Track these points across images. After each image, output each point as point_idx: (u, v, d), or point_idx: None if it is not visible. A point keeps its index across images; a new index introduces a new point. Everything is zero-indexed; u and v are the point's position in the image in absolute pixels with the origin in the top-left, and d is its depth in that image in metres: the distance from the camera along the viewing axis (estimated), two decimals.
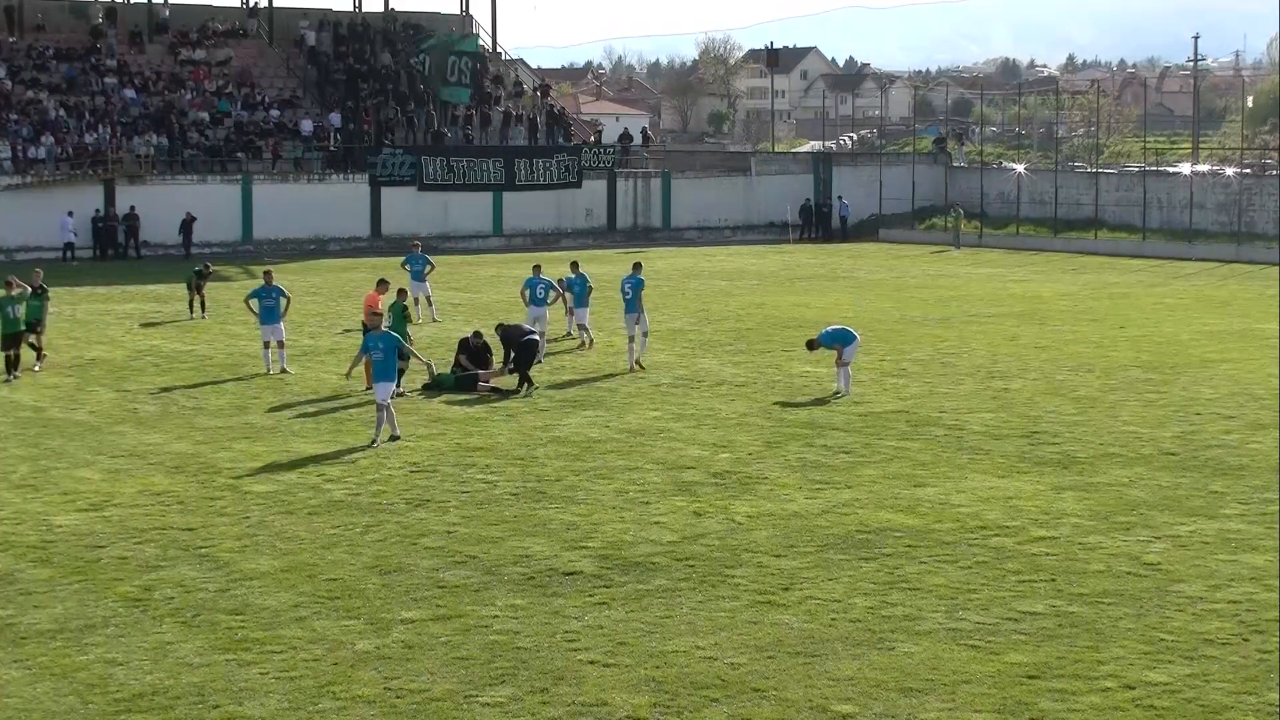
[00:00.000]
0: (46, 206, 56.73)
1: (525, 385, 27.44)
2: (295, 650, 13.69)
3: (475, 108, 68.50)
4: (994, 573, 16.01)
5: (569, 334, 34.40)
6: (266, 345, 30.06)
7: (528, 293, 32.07)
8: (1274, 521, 17.93)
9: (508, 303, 39.08)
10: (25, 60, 64.24)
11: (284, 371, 29.59)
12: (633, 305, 30.18)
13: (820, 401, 26.39)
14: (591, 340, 33.13)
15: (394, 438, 23.04)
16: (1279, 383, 27.44)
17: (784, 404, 26.21)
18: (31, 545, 17.31)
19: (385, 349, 23.23)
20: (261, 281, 30.54)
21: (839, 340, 27.13)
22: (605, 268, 49.30)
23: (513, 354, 28.03)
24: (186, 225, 58.71)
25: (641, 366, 30.10)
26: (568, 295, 33.36)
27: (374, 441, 22.81)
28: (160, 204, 58.41)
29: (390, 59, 70.57)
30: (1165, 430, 23.67)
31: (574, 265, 34.03)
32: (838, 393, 26.81)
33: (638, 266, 31.47)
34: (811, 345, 27.39)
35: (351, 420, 25.03)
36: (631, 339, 30.39)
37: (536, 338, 28.65)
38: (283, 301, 30.09)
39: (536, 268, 33.37)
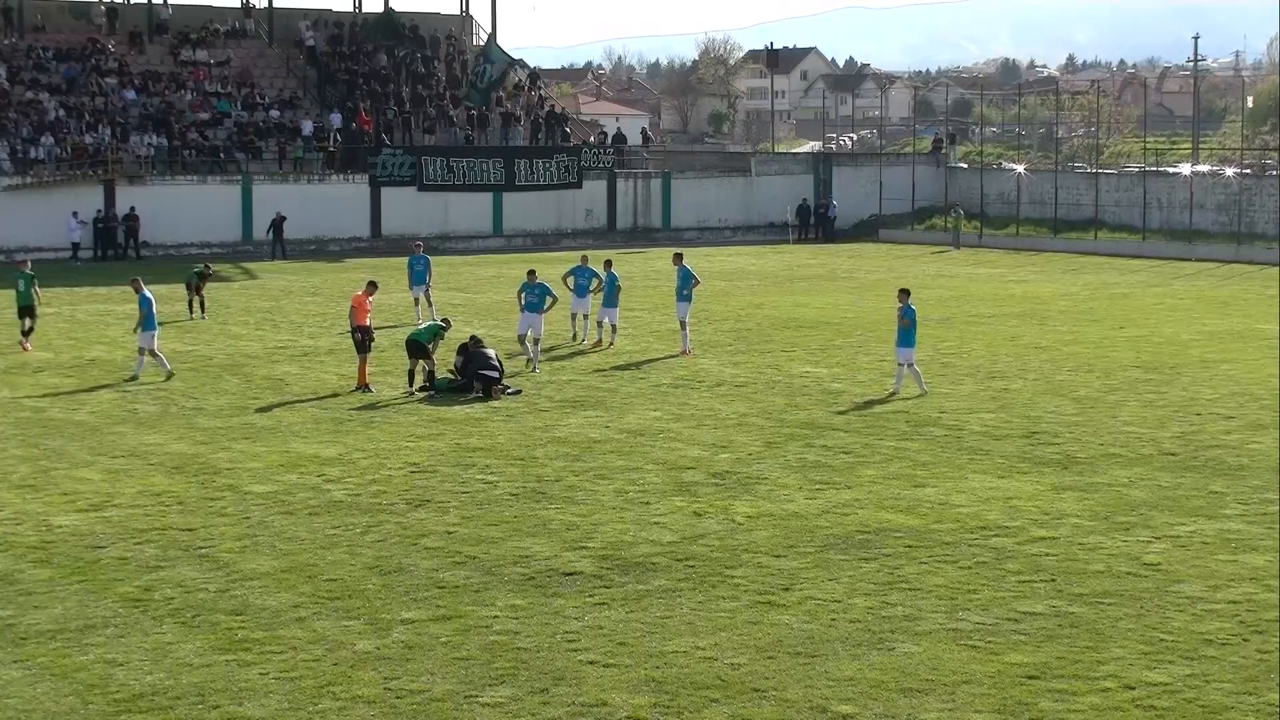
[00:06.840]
0: (46, 207, 56.64)
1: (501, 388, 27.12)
2: (295, 650, 13.69)
3: (476, 108, 68.45)
4: (994, 573, 16.01)
5: (574, 336, 34.26)
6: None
7: (571, 280, 33.78)
8: (1274, 521, 17.93)
9: (509, 304, 39.03)
10: (25, 60, 64.21)
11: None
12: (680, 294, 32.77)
13: (820, 401, 26.39)
14: (593, 340, 33.22)
15: None
16: (1279, 383, 27.45)
17: (784, 404, 26.21)
18: (31, 545, 17.31)
19: None
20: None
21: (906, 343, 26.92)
22: None
23: (473, 370, 27.26)
24: (277, 225, 58.31)
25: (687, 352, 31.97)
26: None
27: None
28: (160, 204, 58.38)
29: (388, 59, 70.52)
30: (1165, 430, 23.67)
31: (607, 264, 34.25)
32: (893, 393, 26.78)
33: (679, 257, 34.07)
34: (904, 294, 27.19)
35: (352, 420, 25.04)
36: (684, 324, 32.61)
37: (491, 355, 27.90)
38: None
39: (606, 262, 34.64)
